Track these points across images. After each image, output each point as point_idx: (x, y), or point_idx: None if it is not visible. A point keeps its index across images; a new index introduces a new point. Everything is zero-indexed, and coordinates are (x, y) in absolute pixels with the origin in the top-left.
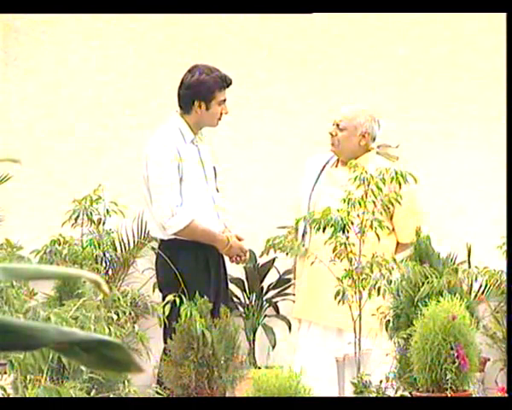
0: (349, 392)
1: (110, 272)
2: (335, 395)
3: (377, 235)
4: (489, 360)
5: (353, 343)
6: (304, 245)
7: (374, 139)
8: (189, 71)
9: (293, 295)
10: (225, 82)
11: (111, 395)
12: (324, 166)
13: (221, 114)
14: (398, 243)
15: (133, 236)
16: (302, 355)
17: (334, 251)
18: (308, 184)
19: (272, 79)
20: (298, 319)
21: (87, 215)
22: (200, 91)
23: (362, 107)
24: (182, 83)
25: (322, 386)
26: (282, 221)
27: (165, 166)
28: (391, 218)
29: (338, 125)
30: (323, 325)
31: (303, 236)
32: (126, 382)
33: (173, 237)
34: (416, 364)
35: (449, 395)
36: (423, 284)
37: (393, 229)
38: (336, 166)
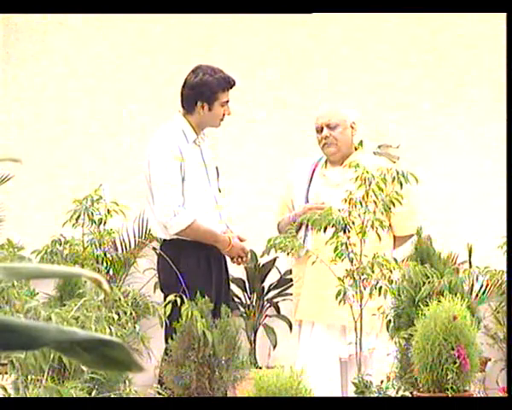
0: (351, 392)
1: (111, 272)
2: (338, 394)
3: (378, 235)
4: (490, 360)
5: (354, 343)
6: (305, 246)
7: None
8: (193, 71)
9: (291, 294)
10: (229, 83)
11: (112, 395)
12: (315, 168)
13: (223, 114)
14: (395, 238)
15: (134, 236)
16: (305, 356)
17: (335, 251)
18: (302, 185)
19: (273, 78)
20: (299, 321)
21: (88, 215)
22: (204, 92)
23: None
24: (185, 83)
25: (325, 386)
26: None
27: (168, 166)
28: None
29: (328, 125)
30: (327, 324)
31: (304, 237)
32: (127, 382)
33: (175, 237)
34: (416, 364)
35: (450, 396)
36: (424, 284)
37: (390, 224)
38: (326, 167)
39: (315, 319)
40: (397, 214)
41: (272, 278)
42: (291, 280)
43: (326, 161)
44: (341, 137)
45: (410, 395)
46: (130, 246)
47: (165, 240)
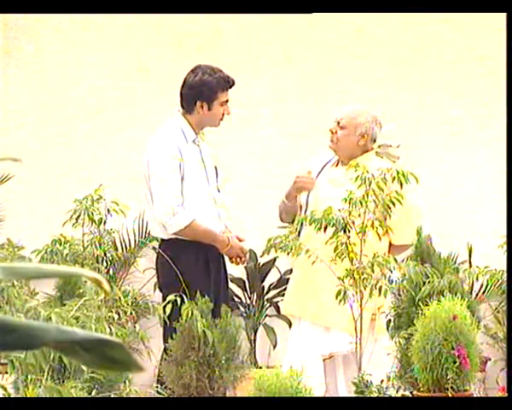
0: (343, 391)
1: (111, 272)
2: (321, 393)
3: (378, 235)
4: (490, 359)
5: (347, 343)
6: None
7: (374, 141)
8: (192, 71)
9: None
10: (228, 83)
11: (112, 395)
12: (325, 166)
13: (223, 114)
14: (390, 245)
15: (134, 235)
16: (291, 352)
17: (335, 251)
18: None
19: (274, 78)
20: (290, 315)
21: (88, 215)
22: (203, 92)
23: (364, 107)
24: (184, 83)
25: (307, 383)
26: None
27: (167, 166)
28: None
29: (339, 122)
30: (311, 321)
31: (298, 233)
32: (127, 381)
33: (174, 236)
34: (417, 364)
35: (450, 395)
36: (424, 283)
37: (387, 231)
38: (336, 165)
39: (299, 314)
40: (394, 222)
41: (272, 277)
42: None
43: (338, 161)
44: (343, 140)
45: (410, 395)
46: (130, 246)
47: (163, 239)
